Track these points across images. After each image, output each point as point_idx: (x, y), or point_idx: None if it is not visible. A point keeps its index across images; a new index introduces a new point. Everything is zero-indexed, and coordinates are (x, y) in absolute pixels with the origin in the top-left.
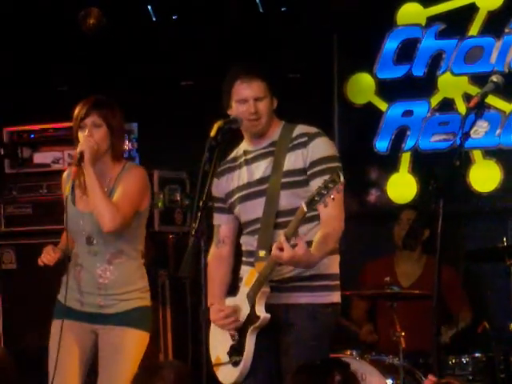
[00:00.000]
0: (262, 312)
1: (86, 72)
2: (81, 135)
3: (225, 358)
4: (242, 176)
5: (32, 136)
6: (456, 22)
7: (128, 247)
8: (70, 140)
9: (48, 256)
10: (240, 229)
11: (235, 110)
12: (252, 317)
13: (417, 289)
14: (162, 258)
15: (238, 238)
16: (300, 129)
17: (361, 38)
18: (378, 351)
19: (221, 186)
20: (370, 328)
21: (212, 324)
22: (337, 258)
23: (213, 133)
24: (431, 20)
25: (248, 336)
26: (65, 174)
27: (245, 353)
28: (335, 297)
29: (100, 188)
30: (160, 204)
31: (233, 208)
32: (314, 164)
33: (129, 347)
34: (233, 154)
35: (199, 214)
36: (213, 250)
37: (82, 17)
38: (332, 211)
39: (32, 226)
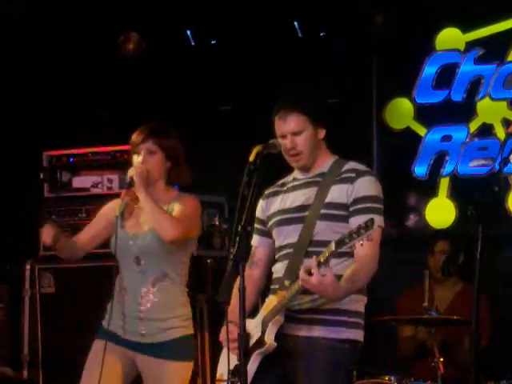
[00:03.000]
0: (269, 339)
1: (125, 97)
2: (135, 160)
3: (226, 376)
4: (284, 201)
5: (71, 160)
6: (495, 47)
7: (173, 272)
8: (109, 164)
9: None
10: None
11: (281, 145)
12: (260, 342)
13: (449, 314)
14: (200, 282)
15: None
16: (350, 165)
17: (400, 62)
18: (416, 377)
19: (264, 207)
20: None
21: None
22: (361, 298)
23: (252, 157)
24: (470, 45)
25: (252, 359)
26: (116, 202)
27: (243, 375)
28: (352, 334)
29: (157, 203)
30: None
31: (271, 231)
32: (356, 202)
33: (172, 380)
34: (283, 180)
35: (238, 239)
36: (246, 270)
37: (122, 41)
38: (367, 251)
39: None
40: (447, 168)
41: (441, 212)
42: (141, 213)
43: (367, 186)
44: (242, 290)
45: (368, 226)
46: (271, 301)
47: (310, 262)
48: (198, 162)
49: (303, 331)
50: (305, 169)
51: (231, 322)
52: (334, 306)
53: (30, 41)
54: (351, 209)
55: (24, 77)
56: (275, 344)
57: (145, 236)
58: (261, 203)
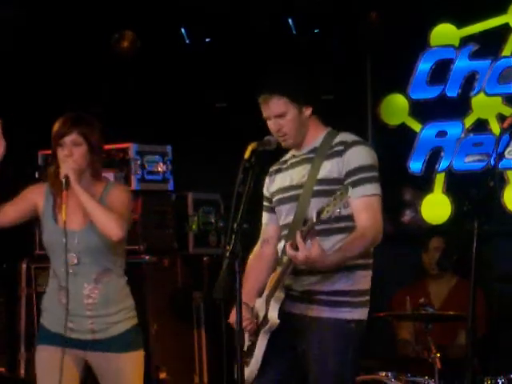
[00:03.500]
0: (272, 316)
1: (120, 95)
2: (60, 154)
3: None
4: (283, 179)
5: None
6: (489, 43)
7: (114, 265)
8: (105, 163)
9: None
10: None
11: (268, 126)
12: (265, 320)
13: (444, 309)
14: (196, 280)
15: None
16: (340, 137)
17: (394, 58)
18: (414, 372)
19: (269, 185)
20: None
21: None
22: (363, 274)
23: (247, 155)
24: (465, 41)
25: (259, 338)
26: (47, 189)
27: (254, 354)
28: (358, 313)
29: (97, 202)
30: (194, 226)
31: (275, 209)
32: (348, 174)
33: (130, 371)
34: (284, 157)
35: (234, 236)
36: (256, 248)
37: (116, 39)
38: (366, 221)
39: None
40: (442, 164)
41: (436, 208)
42: (75, 207)
43: (357, 156)
44: (239, 287)
45: (342, 193)
46: (271, 278)
47: (295, 237)
48: (194, 160)
49: (310, 311)
50: (295, 147)
51: (244, 304)
52: (338, 287)
53: (24, 39)
54: (345, 183)
55: (18, 75)
56: (278, 320)
57: (82, 233)
58: (266, 181)
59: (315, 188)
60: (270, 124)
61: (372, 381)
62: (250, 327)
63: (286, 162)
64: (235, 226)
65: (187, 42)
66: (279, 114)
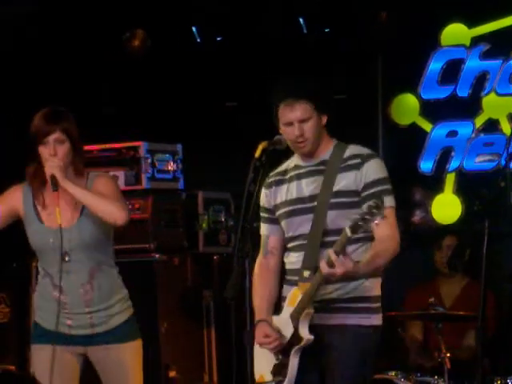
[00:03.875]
0: (305, 333)
1: (131, 94)
2: (44, 152)
3: (268, 376)
4: (290, 190)
5: None
6: (500, 43)
7: (106, 257)
8: (115, 161)
9: None
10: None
11: (283, 132)
12: (295, 338)
13: (455, 310)
14: (206, 279)
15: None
16: (352, 149)
17: (405, 58)
18: (424, 372)
19: (270, 197)
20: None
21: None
22: (378, 281)
23: (257, 154)
24: (476, 40)
25: (291, 357)
26: (25, 189)
27: (288, 373)
28: (376, 319)
29: (90, 191)
30: (204, 225)
31: (280, 221)
32: (367, 187)
33: (130, 360)
34: (283, 167)
35: (244, 235)
36: (260, 259)
37: (127, 38)
38: (386, 231)
39: None
40: (453, 164)
41: (447, 208)
42: (61, 205)
43: (374, 169)
44: (249, 285)
45: (378, 204)
46: (294, 294)
47: (329, 255)
48: (204, 158)
49: (331, 320)
50: (309, 155)
51: (261, 321)
52: (357, 293)
53: (36, 37)
54: (363, 194)
55: (30, 74)
56: (312, 337)
57: (72, 231)
58: (264, 192)
59: (332, 200)
60: (291, 129)
61: (381, 380)
62: (276, 344)
63: (285, 173)
64: (245, 224)
65: (198, 40)
66: (304, 118)
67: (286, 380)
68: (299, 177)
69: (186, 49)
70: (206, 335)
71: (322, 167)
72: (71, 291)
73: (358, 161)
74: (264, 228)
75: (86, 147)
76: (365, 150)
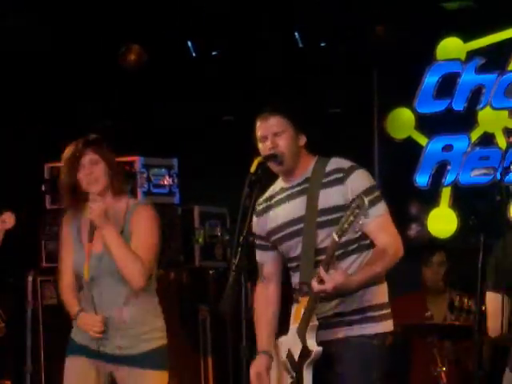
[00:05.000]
0: (313, 346)
1: (126, 108)
2: (82, 175)
3: None
4: (279, 215)
5: None
6: (496, 57)
7: (145, 287)
8: None
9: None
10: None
11: (260, 150)
12: (305, 352)
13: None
14: (202, 293)
15: (284, 274)
16: (333, 163)
17: (400, 72)
18: None
19: (261, 224)
20: None
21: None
22: (381, 288)
23: (253, 168)
24: (471, 54)
25: (304, 372)
26: (68, 217)
27: None
28: (382, 326)
29: (124, 245)
30: (200, 239)
31: (276, 246)
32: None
33: None
34: (269, 192)
35: (239, 250)
36: (259, 287)
37: (123, 53)
38: (385, 238)
39: None
40: (449, 177)
41: (442, 222)
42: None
43: (360, 180)
44: (245, 299)
45: (359, 204)
46: (297, 310)
47: (319, 271)
48: (200, 173)
49: (334, 335)
50: (287, 173)
51: (260, 354)
52: (359, 305)
53: (30, 52)
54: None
55: (26, 88)
56: (320, 348)
57: (107, 258)
58: (255, 220)
59: (318, 220)
60: (265, 144)
61: None
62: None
63: (272, 197)
64: (241, 239)
65: (194, 55)
66: (277, 131)
67: None
68: (286, 199)
69: (181, 63)
70: (203, 349)
71: (305, 185)
72: (105, 312)
73: (340, 175)
74: (258, 255)
75: None
76: (346, 163)
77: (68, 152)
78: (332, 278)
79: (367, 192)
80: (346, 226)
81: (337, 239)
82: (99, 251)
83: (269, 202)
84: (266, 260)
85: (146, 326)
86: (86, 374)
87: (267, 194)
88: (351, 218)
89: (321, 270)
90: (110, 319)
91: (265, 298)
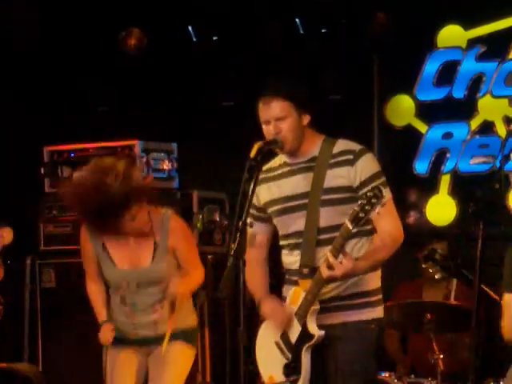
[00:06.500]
0: (315, 330)
1: (126, 92)
2: None
3: (280, 377)
4: (281, 188)
5: (72, 155)
6: (497, 45)
7: None
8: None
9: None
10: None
11: (263, 131)
12: (305, 336)
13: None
14: None
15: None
16: (342, 145)
17: (401, 59)
18: (416, 374)
19: (259, 195)
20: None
21: (258, 342)
22: (377, 274)
23: (252, 154)
24: (472, 42)
25: (303, 354)
26: (87, 235)
27: (302, 371)
28: (377, 312)
29: (188, 286)
30: (199, 224)
31: (271, 218)
32: (365, 183)
33: (178, 359)
34: (272, 164)
35: (238, 235)
36: (249, 251)
37: (123, 37)
38: (388, 224)
39: (71, 245)
40: (448, 165)
41: (441, 209)
42: (133, 246)
43: (370, 164)
44: (243, 284)
45: (377, 194)
46: (296, 293)
47: (328, 257)
48: (200, 158)
49: (332, 319)
50: (291, 153)
51: (264, 298)
52: (356, 289)
53: (30, 36)
54: (361, 191)
55: (26, 72)
56: (323, 332)
57: (144, 273)
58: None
59: (323, 197)
60: (268, 128)
61: (375, 381)
62: (285, 316)
63: (273, 169)
64: (240, 224)
65: (194, 40)
66: (280, 116)
67: (302, 377)
68: (289, 174)
69: (182, 48)
70: (200, 334)
71: (311, 164)
72: (142, 310)
73: (350, 157)
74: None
75: (82, 145)
76: (356, 146)
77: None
78: (341, 265)
79: (374, 176)
80: (361, 214)
81: (350, 227)
82: (135, 268)
83: (269, 174)
84: (258, 231)
85: (178, 312)
86: (127, 361)
87: (269, 166)
88: (367, 207)
89: (330, 256)
90: (147, 315)
91: (256, 260)
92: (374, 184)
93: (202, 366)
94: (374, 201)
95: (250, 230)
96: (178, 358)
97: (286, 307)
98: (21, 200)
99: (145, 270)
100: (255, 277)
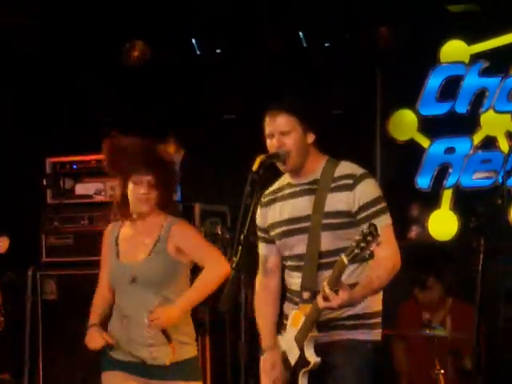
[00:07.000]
0: (312, 356)
1: (129, 105)
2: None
3: None
4: (284, 210)
5: (74, 167)
6: (499, 60)
7: (175, 296)
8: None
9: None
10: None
11: (267, 145)
12: (302, 360)
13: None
14: None
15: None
16: (344, 168)
17: (404, 74)
18: None
19: (264, 216)
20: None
21: (261, 366)
22: (378, 297)
23: (255, 167)
24: (475, 57)
25: (300, 379)
26: (109, 228)
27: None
28: (374, 334)
29: (202, 290)
30: None
31: (275, 240)
32: (363, 209)
33: None
34: (276, 185)
35: (240, 248)
36: (261, 279)
37: (127, 49)
38: (386, 251)
39: (73, 257)
40: (450, 180)
41: (443, 224)
42: (137, 239)
43: (369, 190)
44: (245, 298)
45: (372, 232)
46: (297, 316)
47: (324, 289)
48: (201, 171)
49: (329, 337)
50: (294, 172)
51: (269, 350)
52: (355, 312)
53: (35, 47)
54: (359, 216)
55: (28, 83)
56: (319, 359)
57: (143, 265)
58: (260, 211)
59: (323, 221)
60: (272, 142)
61: None
62: (279, 378)
63: (278, 191)
64: (242, 237)
65: (198, 52)
66: (284, 130)
67: None
68: (292, 195)
69: (185, 61)
70: (201, 348)
71: (313, 186)
72: (137, 323)
73: (350, 181)
74: (262, 248)
75: (84, 157)
76: (357, 170)
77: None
78: (337, 296)
79: (374, 202)
80: (356, 250)
81: (346, 262)
82: (137, 260)
83: (275, 195)
84: (270, 253)
85: (175, 334)
86: None
87: (274, 187)
88: (362, 244)
89: (326, 288)
90: (141, 328)
91: (267, 291)
92: (371, 210)
93: (203, 379)
94: (369, 238)
95: (260, 253)
96: None
97: (287, 329)
98: (22, 211)
99: (139, 264)
100: (264, 319)
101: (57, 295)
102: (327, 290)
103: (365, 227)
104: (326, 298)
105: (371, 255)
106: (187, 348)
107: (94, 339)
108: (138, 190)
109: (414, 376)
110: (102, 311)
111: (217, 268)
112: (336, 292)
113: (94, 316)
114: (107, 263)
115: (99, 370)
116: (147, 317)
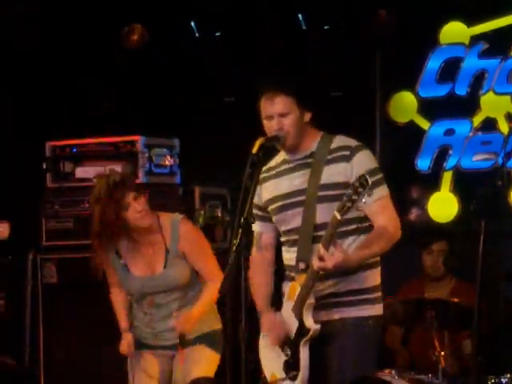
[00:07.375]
0: (311, 324)
1: (128, 88)
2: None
3: (281, 374)
4: (280, 186)
5: (74, 150)
6: (499, 42)
7: (193, 290)
8: (112, 155)
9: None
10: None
11: (264, 126)
12: (302, 330)
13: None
14: None
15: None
16: (339, 140)
17: (403, 56)
18: (417, 371)
19: (260, 194)
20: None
21: (261, 343)
22: (377, 271)
23: (255, 149)
24: (474, 39)
25: (301, 349)
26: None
27: (301, 366)
28: (375, 310)
29: (201, 309)
30: (201, 220)
31: (272, 217)
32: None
33: (202, 361)
34: (273, 162)
35: (240, 231)
36: (255, 254)
37: (126, 33)
38: (383, 221)
39: (73, 241)
40: (450, 162)
41: (443, 206)
42: (149, 254)
43: (365, 160)
44: (245, 280)
45: (363, 182)
46: (293, 287)
47: (319, 249)
48: (201, 153)
49: (330, 316)
50: (291, 150)
51: (266, 311)
52: (355, 286)
53: (33, 31)
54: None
55: (28, 67)
56: (318, 326)
57: (158, 279)
58: (257, 190)
59: (319, 194)
60: (270, 123)
61: (376, 378)
62: (281, 333)
63: (274, 168)
64: (242, 220)
65: (197, 35)
66: (283, 112)
67: (301, 372)
68: (288, 171)
69: (184, 44)
70: None
71: (309, 160)
72: (159, 318)
73: (346, 152)
74: (257, 225)
75: (84, 140)
76: (352, 142)
77: (104, 194)
78: (332, 256)
79: (371, 173)
80: (348, 204)
81: (338, 217)
82: (152, 274)
83: (270, 173)
84: (264, 230)
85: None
86: (151, 365)
87: (270, 164)
88: (354, 197)
89: (321, 248)
90: (167, 324)
91: (261, 264)
92: (371, 180)
93: None
94: (360, 190)
95: (255, 230)
96: (202, 361)
97: (284, 305)
98: (22, 195)
99: (159, 277)
100: (258, 285)
101: (57, 279)
102: (322, 250)
103: (355, 180)
104: (321, 259)
105: (370, 228)
106: (214, 321)
107: (124, 349)
108: (136, 209)
109: (414, 358)
110: (127, 310)
111: (213, 291)
112: (331, 254)
113: (122, 321)
114: (115, 272)
115: (100, 352)
116: (171, 322)
